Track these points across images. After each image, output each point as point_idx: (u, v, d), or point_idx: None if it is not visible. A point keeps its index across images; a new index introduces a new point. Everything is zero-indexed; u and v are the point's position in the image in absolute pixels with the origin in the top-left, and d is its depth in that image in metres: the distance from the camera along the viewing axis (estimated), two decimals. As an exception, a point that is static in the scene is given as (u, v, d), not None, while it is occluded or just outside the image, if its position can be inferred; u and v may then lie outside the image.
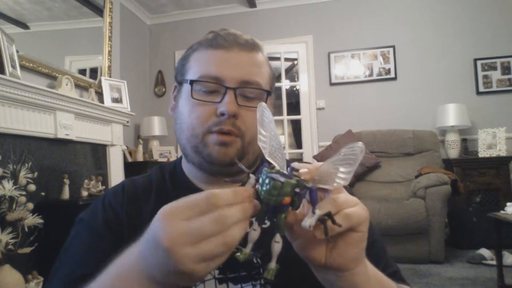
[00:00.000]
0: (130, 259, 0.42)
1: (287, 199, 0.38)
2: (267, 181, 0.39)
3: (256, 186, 0.40)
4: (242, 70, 0.63)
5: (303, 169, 0.41)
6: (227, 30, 0.66)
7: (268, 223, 0.41)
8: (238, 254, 0.40)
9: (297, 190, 0.39)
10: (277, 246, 0.40)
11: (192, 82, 0.63)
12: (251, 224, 0.40)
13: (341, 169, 0.39)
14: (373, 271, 0.47)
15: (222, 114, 0.60)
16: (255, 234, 0.40)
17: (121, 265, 0.43)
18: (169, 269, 0.36)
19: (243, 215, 0.37)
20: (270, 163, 0.43)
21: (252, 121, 0.62)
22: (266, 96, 0.65)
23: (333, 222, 0.38)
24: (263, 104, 0.45)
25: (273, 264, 0.40)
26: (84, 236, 0.62)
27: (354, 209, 0.40)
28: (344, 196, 0.41)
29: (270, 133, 0.44)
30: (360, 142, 0.38)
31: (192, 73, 0.65)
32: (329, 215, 0.38)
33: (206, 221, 0.36)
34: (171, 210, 0.37)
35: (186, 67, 0.67)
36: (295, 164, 0.41)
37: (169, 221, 0.36)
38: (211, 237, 0.35)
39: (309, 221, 0.38)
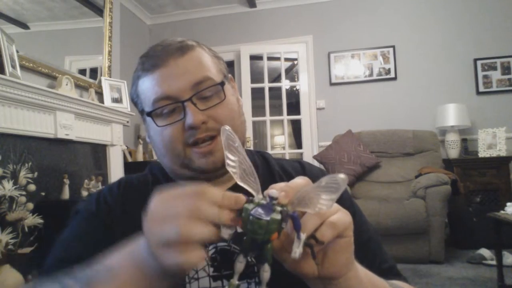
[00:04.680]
0: (126, 250, 0.44)
1: (274, 236, 0.38)
2: (251, 218, 0.38)
3: (240, 222, 0.39)
4: (187, 77, 0.62)
5: (280, 193, 0.40)
6: (156, 45, 0.66)
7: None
8: (226, 287, 0.41)
9: (283, 225, 0.39)
10: (266, 275, 0.40)
11: (150, 114, 0.64)
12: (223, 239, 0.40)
13: (323, 196, 0.39)
14: (364, 272, 0.48)
15: (191, 128, 0.61)
16: (240, 266, 0.40)
17: (119, 253, 0.44)
18: (149, 248, 0.39)
19: (216, 218, 0.38)
20: (249, 194, 0.42)
21: (223, 115, 0.63)
22: (223, 87, 0.64)
23: (318, 242, 0.39)
24: (227, 127, 0.44)
25: None
26: (76, 224, 0.66)
27: (337, 216, 0.41)
28: None
29: (238, 157, 0.43)
30: (342, 174, 0.38)
31: (146, 104, 0.65)
32: (314, 237, 0.39)
33: (180, 203, 0.37)
34: (162, 196, 0.40)
35: (141, 99, 0.67)
36: (273, 192, 0.40)
37: (156, 201, 0.40)
38: (175, 220, 0.36)
39: (298, 251, 0.38)
